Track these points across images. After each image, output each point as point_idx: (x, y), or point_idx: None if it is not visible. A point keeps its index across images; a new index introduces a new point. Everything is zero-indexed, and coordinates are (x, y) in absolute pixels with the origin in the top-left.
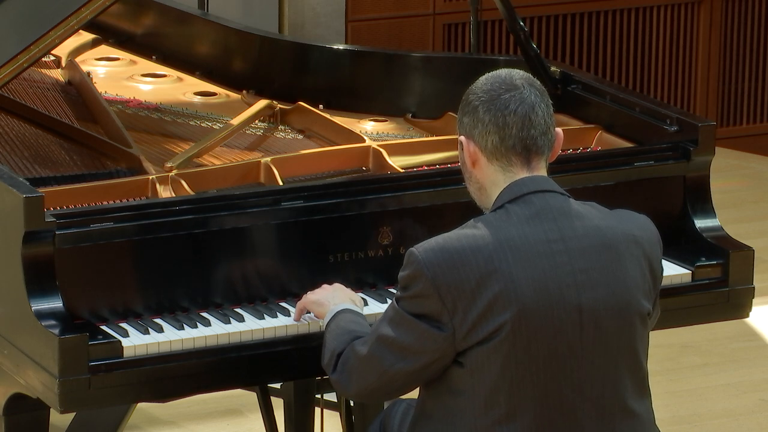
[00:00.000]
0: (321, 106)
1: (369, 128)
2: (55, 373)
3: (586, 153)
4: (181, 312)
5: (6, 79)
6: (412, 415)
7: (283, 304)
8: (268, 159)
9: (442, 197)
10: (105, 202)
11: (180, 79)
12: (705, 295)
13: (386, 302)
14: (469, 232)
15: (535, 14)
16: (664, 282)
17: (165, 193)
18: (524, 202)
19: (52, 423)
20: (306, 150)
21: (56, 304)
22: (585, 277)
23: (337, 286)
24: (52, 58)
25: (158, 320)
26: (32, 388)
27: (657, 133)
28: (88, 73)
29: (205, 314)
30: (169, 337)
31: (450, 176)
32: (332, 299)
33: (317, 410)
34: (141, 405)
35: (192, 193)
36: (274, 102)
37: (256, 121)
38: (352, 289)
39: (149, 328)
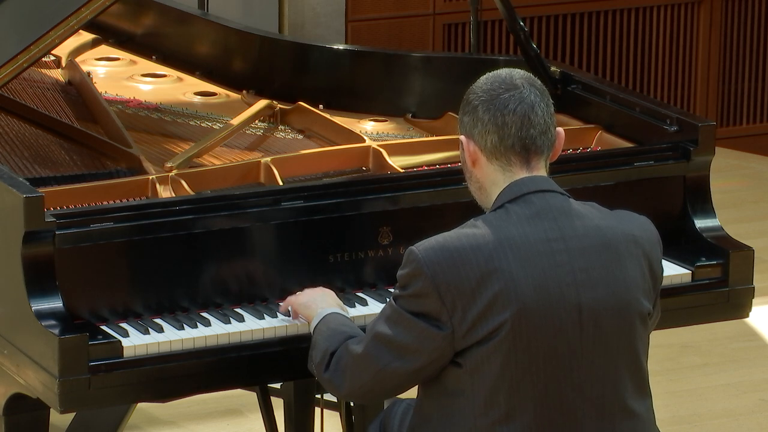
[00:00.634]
0: (321, 106)
1: (369, 128)
2: (55, 373)
3: (586, 153)
4: (181, 312)
5: (6, 79)
6: (411, 416)
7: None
8: (268, 159)
9: (442, 197)
10: (105, 202)
11: (180, 79)
12: (705, 295)
13: (386, 302)
14: (469, 231)
15: (535, 14)
16: (665, 282)
17: (165, 193)
18: (524, 202)
19: (52, 423)
20: (306, 150)
21: (56, 304)
22: (585, 276)
23: (325, 290)
24: (52, 58)
25: (158, 320)
26: (32, 388)
27: (657, 133)
28: (88, 73)
29: (205, 314)
30: (169, 337)
31: (450, 176)
32: (320, 302)
33: (317, 410)
34: (141, 405)
35: (192, 193)
36: (274, 102)
37: (256, 121)
38: (352, 290)
39: (149, 328)
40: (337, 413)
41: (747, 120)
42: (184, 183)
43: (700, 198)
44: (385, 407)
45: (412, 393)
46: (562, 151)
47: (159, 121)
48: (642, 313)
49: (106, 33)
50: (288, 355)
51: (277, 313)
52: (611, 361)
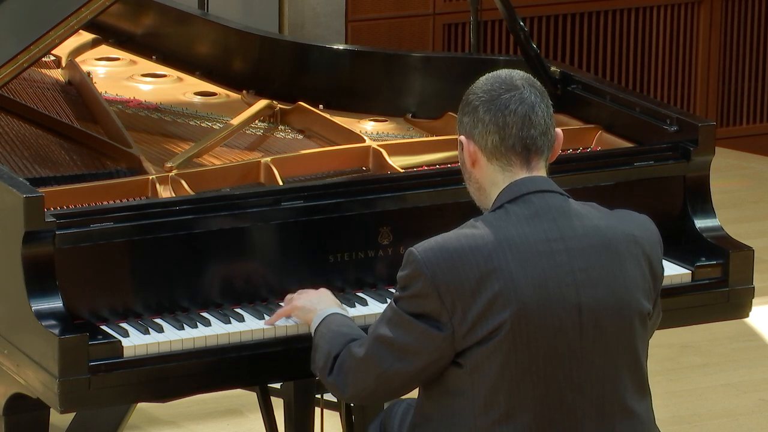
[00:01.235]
0: (321, 106)
1: (369, 128)
2: (55, 373)
3: (586, 153)
4: (181, 312)
5: (6, 79)
6: (412, 416)
7: (284, 304)
8: (268, 159)
9: (442, 197)
10: (105, 202)
11: (180, 79)
12: (705, 295)
13: (386, 302)
14: (469, 231)
15: (535, 14)
16: (665, 282)
17: (165, 193)
18: (524, 202)
19: (52, 423)
20: (306, 150)
21: (56, 304)
22: (585, 276)
23: (323, 291)
24: (52, 58)
25: (158, 320)
26: (32, 388)
27: (657, 133)
28: (88, 73)
29: (205, 314)
30: (169, 337)
31: (450, 176)
32: (319, 304)
33: (317, 410)
34: (141, 405)
35: (192, 193)
36: (274, 102)
37: (256, 121)
38: (352, 290)
39: (149, 328)
40: (337, 413)
41: (747, 120)
42: (184, 183)
43: (700, 198)
44: (385, 407)
45: (412, 393)
46: (562, 151)
47: (159, 121)
48: (642, 313)
49: (106, 33)
50: (288, 355)
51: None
52: (611, 361)
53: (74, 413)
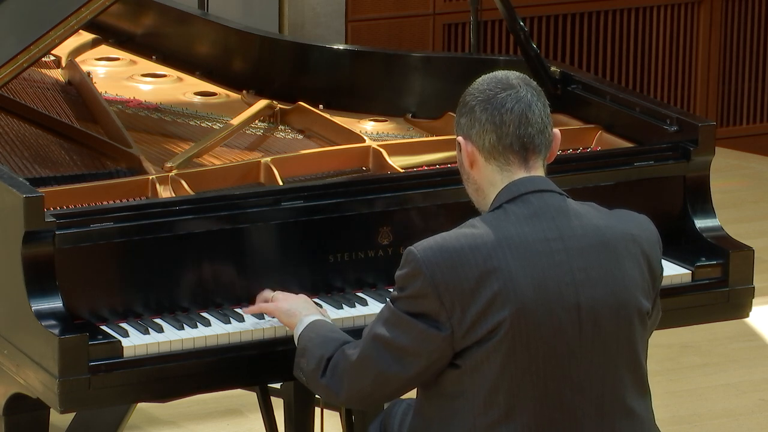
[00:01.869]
0: (321, 106)
1: (369, 128)
2: (55, 373)
3: (586, 153)
4: (181, 312)
5: (6, 79)
6: (411, 417)
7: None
8: (268, 159)
9: (442, 197)
10: (105, 202)
11: (180, 79)
12: (705, 295)
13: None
14: (468, 231)
15: (535, 14)
16: (665, 282)
17: (165, 193)
18: (522, 202)
19: (52, 423)
20: (306, 150)
21: (56, 304)
22: (584, 276)
23: (305, 297)
24: (52, 58)
25: (158, 320)
26: (32, 388)
27: (657, 133)
28: (88, 73)
29: (205, 314)
30: (169, 337)
31: (450, 176)
32: (303, 310)
33: (317, 410)
34: (141, 405)
35: (192, 193)
36: (274, 102)
37: (256, 121)
38: (352, 290)
39: (149, 328)
40: (337, 413)
41: (747, 120)
42: (184, 183)
43: (700, 198)
44: (385, 407)
45: (412, 393)
46: (563, 151)
47: (159, 121)
48: (641, 312)
49: (106, 33)
50: (288, 355)
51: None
52: (610, 360)
53: (74, 413)
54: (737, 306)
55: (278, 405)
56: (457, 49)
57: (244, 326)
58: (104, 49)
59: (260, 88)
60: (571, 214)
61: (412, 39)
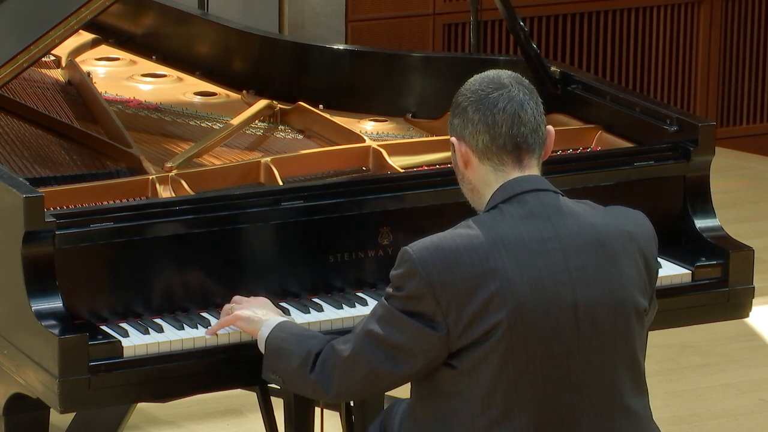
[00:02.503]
0: (321, 106)
1: (369, 128)
2: (55, 373)
3: (586, 153)
4: (181, 312)
5: (6, 79)
6: (407, 420)
7: (283, 304)
8: (268, 159)
9: (442, 197)
10: (105, 202)
11: (180, 79)
12: (705, 295)
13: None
14: (464, 231)
15: (535, 14)
16: (665, 282)
17: (165, 193)
18: (518, 202)
19: (52, 423)
20: (306, 150)
21: (56, 304)
22: (580, 274)
23: (264, 300)
24: (52, 58)
25: (158, 320)
26: (32, 388)
27: (657, 133)
28: (88, 73)
29: (205, 314)
30: (169, 337)
31: (450, 176)
32: (264, 314)
33: (317, 410)
34: (141, 405)
35: (192, 193)
36: (274, 102)
37: (256, 121)
38: (352, 290)
39: (149, 328)
40: (337, 413)
41: (747, 120)
42: (184, 183)
43: (700, 198)
44: (385, 407)
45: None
46: (563, 151)
47: (159, 121)
48: (638, 309)
49: (106, 33)
50: None
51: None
52: (608, 359)
53: (74, 413)
54: (737, 306)
55: (278, 405)
56: (457, 49)
57: None
58: (104, 49)
59: (260, 88)
60: (567, 213)
61: (412, 39)
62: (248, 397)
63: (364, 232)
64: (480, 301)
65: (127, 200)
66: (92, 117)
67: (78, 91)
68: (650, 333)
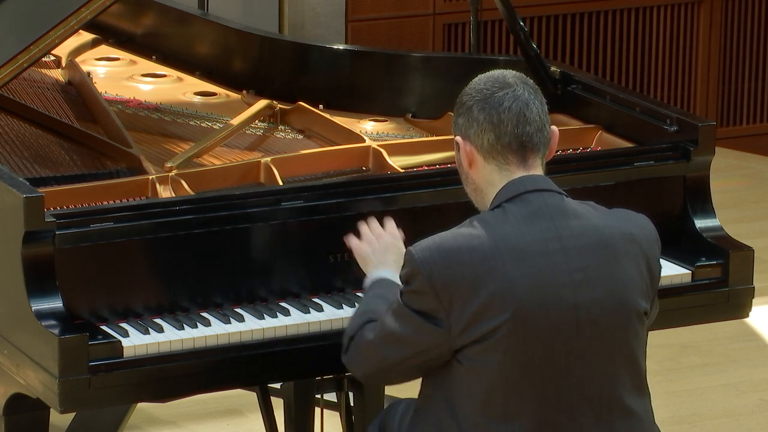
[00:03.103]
0: (321, 106)
1: (369, 128)
2: (55, 373)
3: (586, 153)
4: (181, 312)
5: (6, 79)
6: (411, 416)
7: (284, 304)
8: (268, 159)
9: (442, 197)
10: (105, 202)
11: (180, 79)
12: (705, 295)
13: None
14: (466, 231)
15: (535, 14)
16: (664, 282)
17: (165, 193)
18: (521, 201)
19: (52, 423)
20: (306, 150)
21: (56, 304)
22: (582, 276)
23: (388, 243)
24: (52, 58)
25: (158, 320)
26: (32, 388)
27: (657, 133)
28: (88, 73)
29: (205, 314)
30: (169, 337)
31: (450, 176)
32: (377, 262)
33: (317, 410)
34: (141, 405)
35: (192, 193)
36: (274, 102)
37: (256, 121)
38: (352, 290)
39: (149, 328)
40: (337, 413)
41: (747, 120)
42: (184, 183)
43: (700, 198)
44: (385, 407)
45: (412, 392)
46: (563, 151)
47: (159, 121)
48: (639, 312)
49: (106, 33)
50: (288, 355)
51: (277, 313)
52: (609, 360)
53: (74, 413)
54: (737, 306)
55: (278, 405)
56: (457, 49)
57: (244, 326)
58: (104, 49)
59: (260, 88)
60: (570, 214)
61: (412, 39)
62: (248, 397)
63: None
64: (481, 300)
65: (127, 200)
66: (92, 117)
67: (78, 91)
68: (650, 333)
